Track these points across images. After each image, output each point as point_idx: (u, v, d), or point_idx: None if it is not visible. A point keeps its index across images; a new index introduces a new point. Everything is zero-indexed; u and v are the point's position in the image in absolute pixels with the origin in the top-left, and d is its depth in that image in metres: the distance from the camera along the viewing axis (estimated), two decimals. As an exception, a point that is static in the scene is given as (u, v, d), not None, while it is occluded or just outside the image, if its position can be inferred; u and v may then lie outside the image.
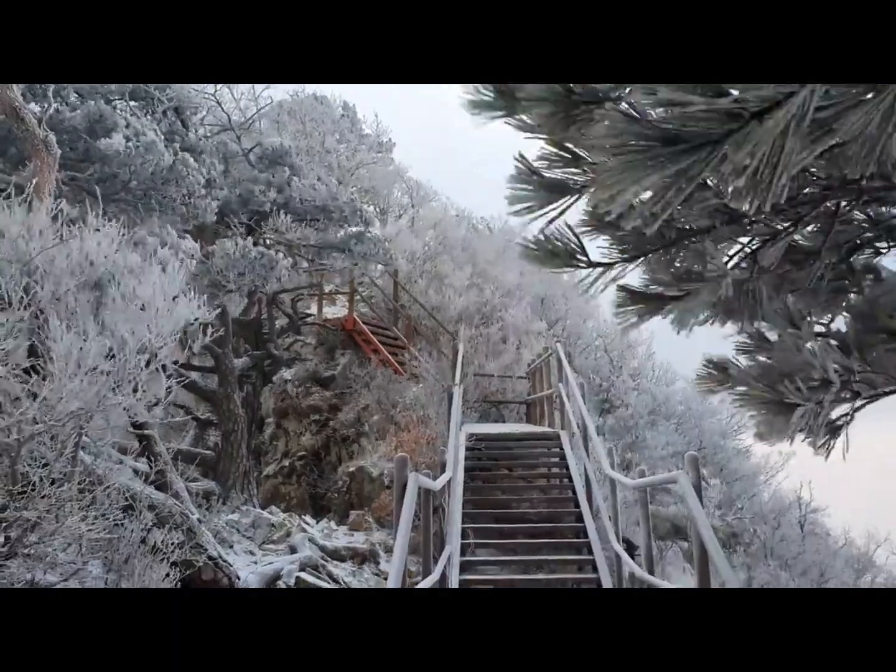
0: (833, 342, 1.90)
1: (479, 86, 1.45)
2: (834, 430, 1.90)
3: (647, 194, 1.02)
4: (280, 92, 20.66)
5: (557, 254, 1.66)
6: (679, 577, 8.75)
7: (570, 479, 8.90)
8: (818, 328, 2.02)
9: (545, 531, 7.96)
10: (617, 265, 1.70)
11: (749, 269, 1.85)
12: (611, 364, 15.08)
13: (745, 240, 1.86)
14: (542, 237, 1.65)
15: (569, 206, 1.53)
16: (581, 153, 1.47)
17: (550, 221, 1.57)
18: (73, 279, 4.60)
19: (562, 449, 9.70)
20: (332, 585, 6.91)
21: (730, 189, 1.16)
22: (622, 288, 1.78)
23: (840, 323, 2.05)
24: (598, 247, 1.74)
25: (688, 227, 1.75)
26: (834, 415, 1.86)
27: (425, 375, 13.36)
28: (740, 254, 1.86)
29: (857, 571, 13.14)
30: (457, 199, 23.03)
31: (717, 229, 1.72)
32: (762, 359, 1.96)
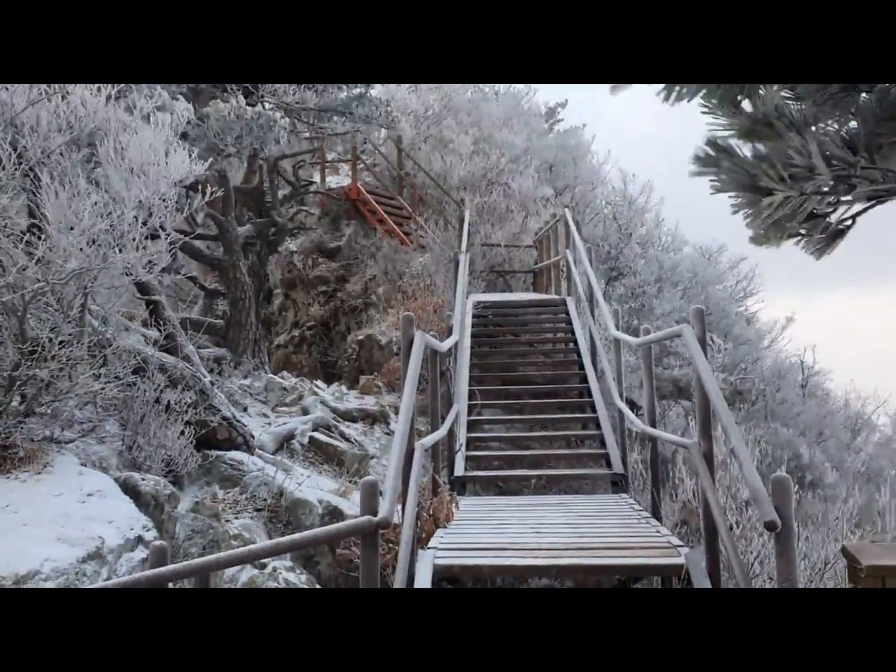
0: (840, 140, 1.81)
1: None
2: (834, 234, 1.84)
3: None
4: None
5: None
6: (681, 434, 8.99)
7: (576, 343, 8.98)
8: (826, 134, 1.93)
9: (550, 392, 8.12)
10: None
11: None
12: (619, 232, 14.84)
13: None
14: None
15: None
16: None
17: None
18: (61, 136, 4.44)
19: (568, 315, 9.74)
20: (345, 444, 7.14)
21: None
22: None
23: (851, 125, 1.95)
24: None
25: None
26: (835, 218, 1.80)
27: (431, 245, 13.24)
28: None
29: (854, 431, 13.51)
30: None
31: None
32: (760, 145, 1.88)
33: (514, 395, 8.15)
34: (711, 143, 1.94)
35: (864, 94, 1.87)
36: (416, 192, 15.46)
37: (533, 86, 21.06)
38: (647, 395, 5.55)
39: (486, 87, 20.52)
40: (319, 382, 9.59)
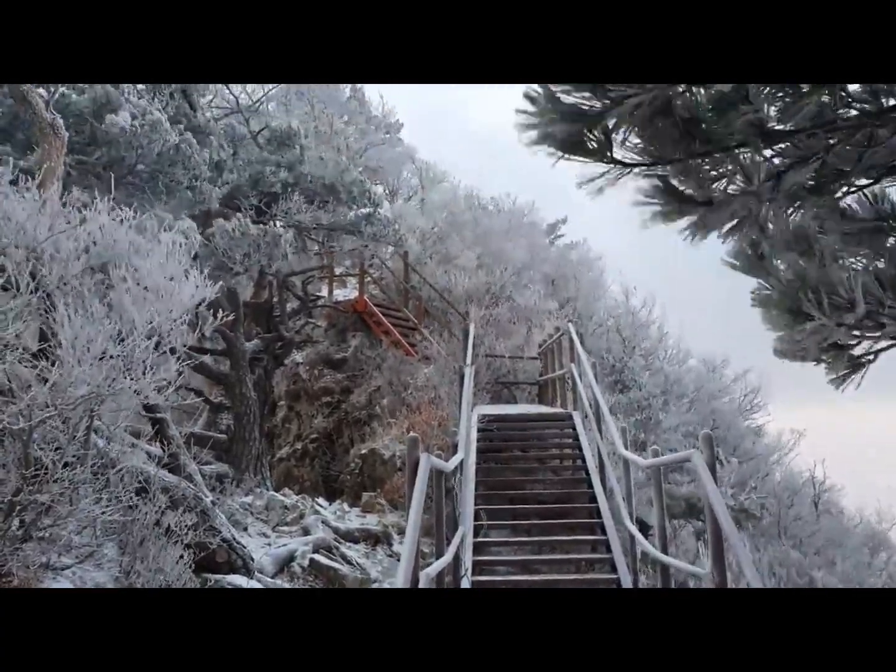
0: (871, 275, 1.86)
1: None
2: (856, 365, 1.86)
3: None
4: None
5: (584, 144, 1.60)
6: (693, 556, 8.72)
7: (583, 460, 8.86)
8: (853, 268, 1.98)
9: (558, 512, 7.94)
10: (639, 167, 1.65)
11: (774, 187, 1.79)
12: (623, 344, 14.97)
13: (771, 156, 1.81)
14: (573, 127, 1.58)
15: (587, 132, 1.48)
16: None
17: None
18: (79, 263, 4.57)
19: (574, 429, 9.66)
20: (346, 567, 6.93)
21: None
22: (659, 177, 1.73)
23: (877, 264, 2.00)
24: (621, 146, 1.68)
25: (718, 139, 1.68)
26: (858, 351, 1.82)
27: (436, 357, 13.33)
28: (768, 169, 1.81)
29: (872, 550, 13.08)
30: (465, 180, 22.89)
31: (750, 144, 1.66)
32: (801, 263, 1.92)
33: (522, 514, 7.96)
34: (753, 244, 1.99)
35: (892, 239, 1.94)
36: (422, 304, 15.74)
37: (535, 202, 21.77)
38: (657, 517, 5.42)
39: (490, 205, 21.26)
40: (321, 500, 9.42)
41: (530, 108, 1.49)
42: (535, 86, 1.50)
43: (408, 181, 22.96)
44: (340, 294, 16.42)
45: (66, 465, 4.52)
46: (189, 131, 9.35)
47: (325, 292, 16.04)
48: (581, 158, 1.65)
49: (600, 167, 1.70)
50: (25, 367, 4.34)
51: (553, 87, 1.46)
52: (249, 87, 15.39)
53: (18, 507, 4.34)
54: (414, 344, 14.35)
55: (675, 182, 1.86)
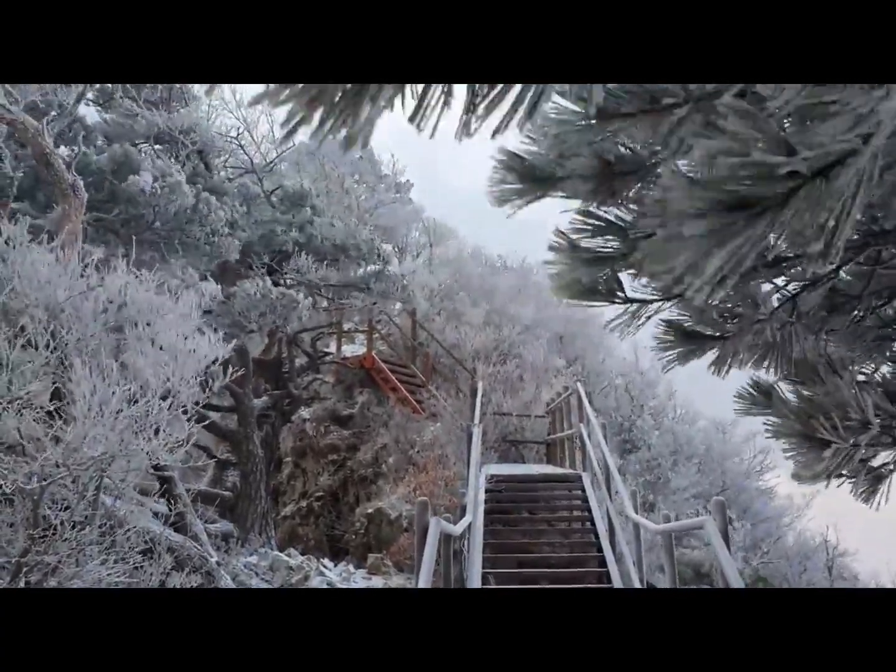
0: (877, 388, 1.87)
1: (502, 173, 1.41)
2: (877, 477, 1.85)
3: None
4: (300, 134, 20.99)
5: (593, 289, 1.63)
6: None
7: (593, 523, 8.73)
8: (860, 376, 1.99)
9: (567, 576, 7.79)
10: (654, 303, 1.67)
11: (788, 312, 1.82)
12: (631, 403, 14.91)
13: (781, 281, 1.84)
14: (593, 270, 1.61)
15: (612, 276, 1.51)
16: (616, 220, 1.45)
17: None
18: (98, 323, 4.63)
19: (584, 491, 9.55)
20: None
21: (800, 250, 1.12)
22: (667, 323, 1.75)
23: (883, 371, 2.01)
24: (632, 284, 1.70)
25: None
26: (877, 462, 1.82)
27: (443, 414, 13.28)
28: (779, 296, 1.84)
29: (889, 618, 12.72)
30: (473, 238, 23.18)
31: (757, 272, 1.69)
32: (805, 392, 1.93)
33: (530, 578, 7.82)
34: (755, 383, 2.01)
35: None
36: (430, 361, 15.76)
37: (543, 262, 21.94)
38: (669, 583, 5.33)
39: (497, 262, 21.48)
40: (326, 561, 9.28)
41: (556, 258, 1.54)
42: (556, 237, 1.54)
43: (416, 239, 23.27)
44: (348, 350, 16.47)
45: (74, 525, 4.50)
46: (205, 191, 9.57)
47: (333, 348, 16.10)
48: (593, 303, 1.69)
49: (616, 308, 1.73)
50: (40, 425, 4.35)
51: (573, 235, 1.51)
52: (264, 147, 15.76)
53: (25, 568, 4.30)
54: (421, 401, 14.32)
55: (687, 319, 1.89)
